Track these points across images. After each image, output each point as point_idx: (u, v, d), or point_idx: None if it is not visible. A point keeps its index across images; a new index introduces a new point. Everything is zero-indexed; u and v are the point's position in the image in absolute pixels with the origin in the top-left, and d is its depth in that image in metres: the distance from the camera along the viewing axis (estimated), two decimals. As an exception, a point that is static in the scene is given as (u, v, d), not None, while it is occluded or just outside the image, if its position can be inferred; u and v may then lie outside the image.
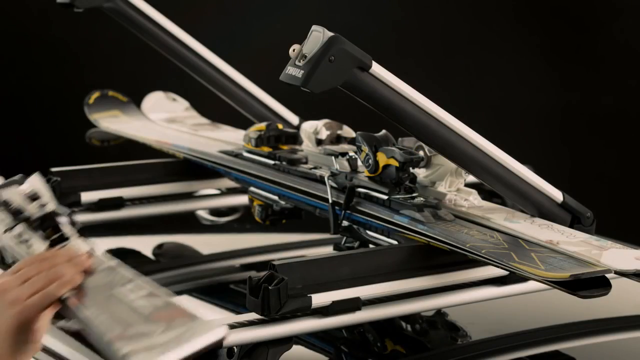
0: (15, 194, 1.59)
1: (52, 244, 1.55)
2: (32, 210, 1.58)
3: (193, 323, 1.39)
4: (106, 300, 1.45)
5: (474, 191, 2.02)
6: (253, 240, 2.48)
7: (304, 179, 2.12)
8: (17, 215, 1.58)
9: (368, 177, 1.97)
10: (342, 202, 1.99)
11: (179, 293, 2.24)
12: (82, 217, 2.36)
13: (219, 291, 2.32)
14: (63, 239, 1.57)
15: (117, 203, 2.38)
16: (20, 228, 1.57)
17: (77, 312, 1.44)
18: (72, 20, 2.98)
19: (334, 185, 2.03)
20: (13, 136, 2.95)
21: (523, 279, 1.80)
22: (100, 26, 3.26)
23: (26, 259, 1.49)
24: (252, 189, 2.23)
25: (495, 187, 1.92)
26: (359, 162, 1.98)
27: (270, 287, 1.68)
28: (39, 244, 1.55)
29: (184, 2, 4.83)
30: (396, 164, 1.94)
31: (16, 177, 1.63)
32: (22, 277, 1.45)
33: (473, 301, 1.86)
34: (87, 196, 2.38)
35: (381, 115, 1.81)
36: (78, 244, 1.55)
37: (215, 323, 1.45)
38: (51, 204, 1.59)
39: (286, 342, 1.72)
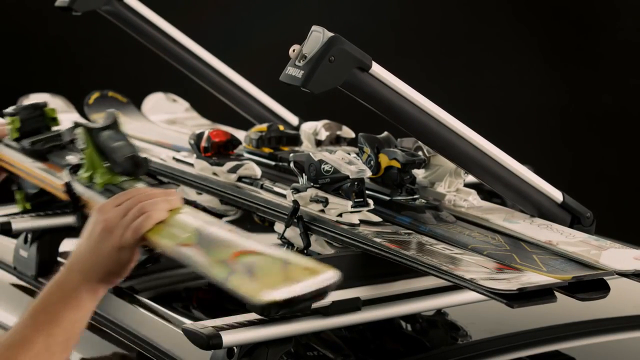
0: None
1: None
2: None
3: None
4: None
5: (473, 191, 2.02)
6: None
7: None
8: None
9: (370, 178, 1.97)
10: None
11: (179, 293, 2.24)
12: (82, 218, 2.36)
13: (219, 291, 2.32)
14: None
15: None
16: None
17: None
18: (71, 21, 2.98)
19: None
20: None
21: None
22: (100, 26, 3.26)
23: (129, 192, 1.70)
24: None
25: (495, 187, 1.93)
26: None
27: (270, 288, 1.68)
28: None
29: (183, 3, 4.83)
30: (398, 165, 1.94)
31: None
32: (122, 210, 1.65)
33: (473, 301, 1.86)
34: (87, 196, 2.38)
35: (381, 116, 1.81)
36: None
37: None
38: None
39: (286, 342, 1.72)
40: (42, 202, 2.22)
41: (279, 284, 1.45)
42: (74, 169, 1.95)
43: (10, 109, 2.18)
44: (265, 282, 1.47)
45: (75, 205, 1.91)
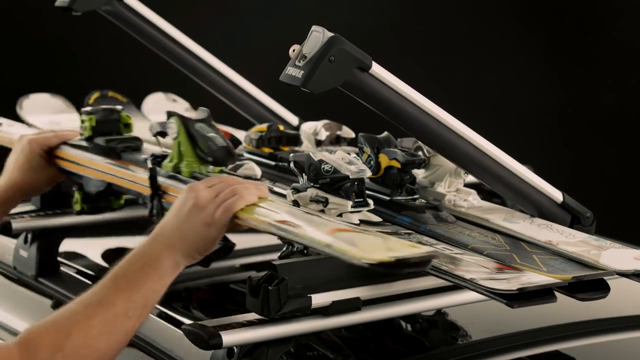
0: None
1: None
2: None
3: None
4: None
5: (473, 191, 2.02)
6: (253, 240, 2.48)
7: None
8: None
9: (370, 178, 1.97)
10: None
11: (179, 293, 2.24)
12: (82, 218, 2.36)
13: (219, 291, 2.32)
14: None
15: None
16: None
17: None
18: (71, 20, 2.98)
19: None
20: (13, 136, 2.96)
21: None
22: (100, 26, 3.26)
23: (220, 177, 1.79)
24: None
25: (495, 187, 1.93)
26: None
27: (270, 287, 1.68)
28: None
29: (183, 3, 4.83)
30: (398, 165, 1.94)
31: None
32: (214, 191, 1.73)
33: (473, 301, 1.86)
34: (87, 196, 2.38)
35: (381, 116, 1.81)
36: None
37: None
38: None
39: (286, 342, 1.72)
40: (99, 206, 2.25)
41: (383, 250, 1.53)
42: (157, 159, 1.99)
43: (88, 108, 2.22)
44: (370, 249, 1.54)
45: (155, 193, 1.95)
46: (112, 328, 1.65)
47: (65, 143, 2.23)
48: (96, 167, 2.14)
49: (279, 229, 1.66)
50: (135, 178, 2.04)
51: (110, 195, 2.21)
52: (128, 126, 2.22)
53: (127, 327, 1.66)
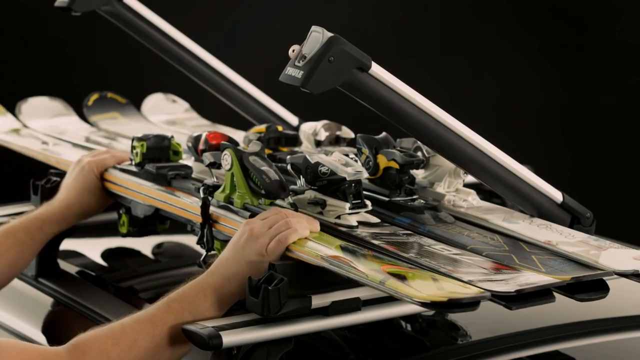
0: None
1: None
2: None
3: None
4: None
5: (472, 191, 2.02)
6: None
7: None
8: None
9: (369, 179, 1.97)
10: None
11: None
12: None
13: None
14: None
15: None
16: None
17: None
18: (71, 21, 2.98)
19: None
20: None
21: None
22: (100, 27, 3.26)
23: (274, 209, 1.83)
24: None
25: (495, 187, 1.93)
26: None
27: (270, 288, 1.68)
28: None
29: (183, 3, 4.83)
30: (397, 166, 1.94)
31: None
32: (268, 223, 1.78)
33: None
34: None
35: (380, 116, 1.81)
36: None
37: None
38: None
39: (286, 342, 1.72)
40: (145, 229, 2.28)
41: (435, 289, 1.58)
42: (208, 188, 2.02)
43: (139, 135, 2.24)
44: (423, 287, 1.59)
45: (206, 221, 1.98)
46: (159, 345, 1.70)
47: (115, 167, 2.26)
48: (146, 193, 2.17)
49: (332, 263, 1.69)
50: (186, 206, 2.06)
51: (156, 220, 2.24)
52: (177, 154, 2.24)
53: (174, 347, 1.71)
